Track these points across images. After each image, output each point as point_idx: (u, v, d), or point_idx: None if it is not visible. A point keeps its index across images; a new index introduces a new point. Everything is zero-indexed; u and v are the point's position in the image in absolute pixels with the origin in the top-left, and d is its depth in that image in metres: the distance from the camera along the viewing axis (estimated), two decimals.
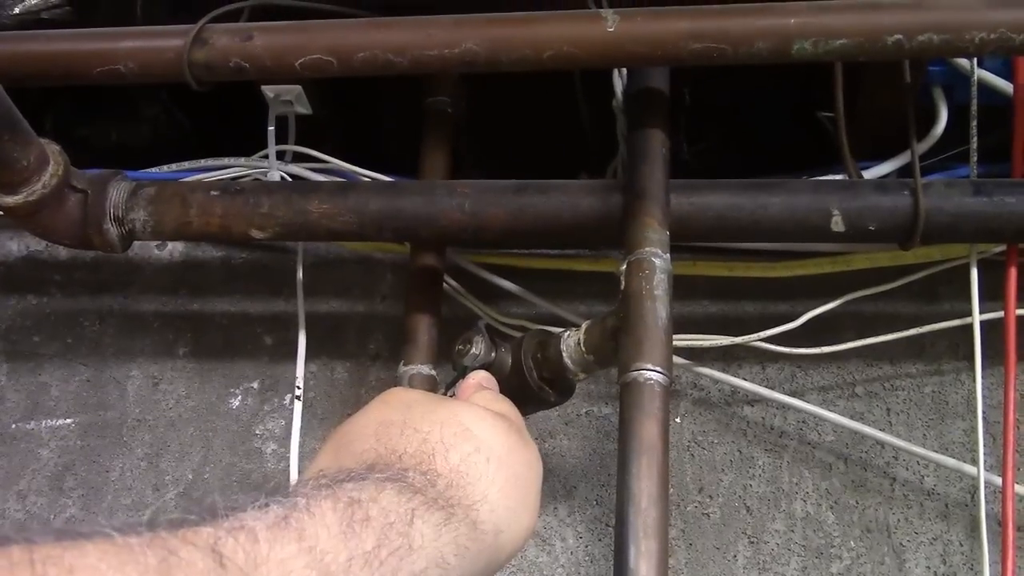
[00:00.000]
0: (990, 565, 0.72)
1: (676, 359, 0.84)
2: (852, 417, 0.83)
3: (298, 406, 0.88)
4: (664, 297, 0.65)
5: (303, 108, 0.89)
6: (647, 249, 0.67)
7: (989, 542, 0.74)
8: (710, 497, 0.83)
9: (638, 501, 0.58)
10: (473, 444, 0.47)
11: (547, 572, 0.81)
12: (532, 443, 0.53)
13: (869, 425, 0.83)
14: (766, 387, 0.84)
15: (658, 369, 0.62)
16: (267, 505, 0.34)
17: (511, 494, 0.47)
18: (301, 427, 0.87)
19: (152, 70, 0.75)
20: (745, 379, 0.85)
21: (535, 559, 0.82)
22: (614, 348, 0.65)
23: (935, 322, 0.82)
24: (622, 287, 0.66)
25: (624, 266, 0.67)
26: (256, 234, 0.79)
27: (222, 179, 0.90)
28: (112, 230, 0.79)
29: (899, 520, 0.81)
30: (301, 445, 0.87)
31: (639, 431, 0.60)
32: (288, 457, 0.87)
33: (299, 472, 0.85)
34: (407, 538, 0.38)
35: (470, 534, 0.42)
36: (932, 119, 0.82)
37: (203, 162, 0.95)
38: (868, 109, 0.84)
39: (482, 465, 0.47)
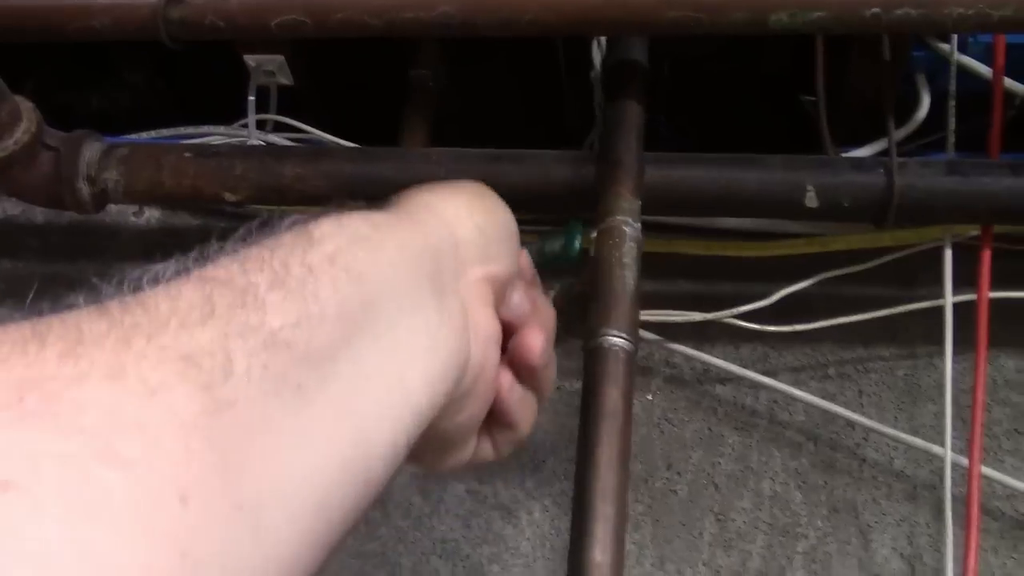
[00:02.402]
0: (954, 545, 0.72)
1: (648, 335, 0.84)
2: (824, 398, 0.83)
3: None
4: (633, 265, 0.65)
5: (285, 79, 0.89)
6: (618, 217, 0.67)
7: (954, 524, 0.74)
8: (678, 474, 0.83)
9: (597, 466, 0.58)
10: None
11: (512, 544, 0.81)
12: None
13: (840, 406, 0.82)
14: (738, 366, 0.84)
15: (624, 335, 0.62)
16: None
17: (430, 187, 0.45)
18: None
19: (127, 27, 0.74)
20: (718, 357, 0.84)
21: (500, 531, 0.81)
22: (581, 315, 0.64)
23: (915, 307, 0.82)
24: (591, 254, 0.66)
25: (594, 234, 0.66)
26: (229, 197, 0.78)
27: (197, 143, 0.90)
28: (84, 189, 0.78)
29: (867, 501, 0.81)
30: None
31: (601, 396, 0.60)
32: None
33: None
34: (305, 237, 0.34)
35: (382, 215, 0.39)
36: (916, 106, 0.82)
37: (182, 130, 0.95)
38: (852, 96, 0.84)
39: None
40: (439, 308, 0.39)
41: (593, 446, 0.58)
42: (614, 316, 0.62)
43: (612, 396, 0.60)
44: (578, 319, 0.64)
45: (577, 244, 0.61)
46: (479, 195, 0.47)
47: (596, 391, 0.60)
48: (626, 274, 0.64)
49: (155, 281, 0.30)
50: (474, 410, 0.44)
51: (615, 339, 0.61)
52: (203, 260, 0.32)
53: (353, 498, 0.32)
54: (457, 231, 0.43)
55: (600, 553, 0.55)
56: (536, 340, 0.47)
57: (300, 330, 0.31)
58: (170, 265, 0.32)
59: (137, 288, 0.30)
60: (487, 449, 0.50)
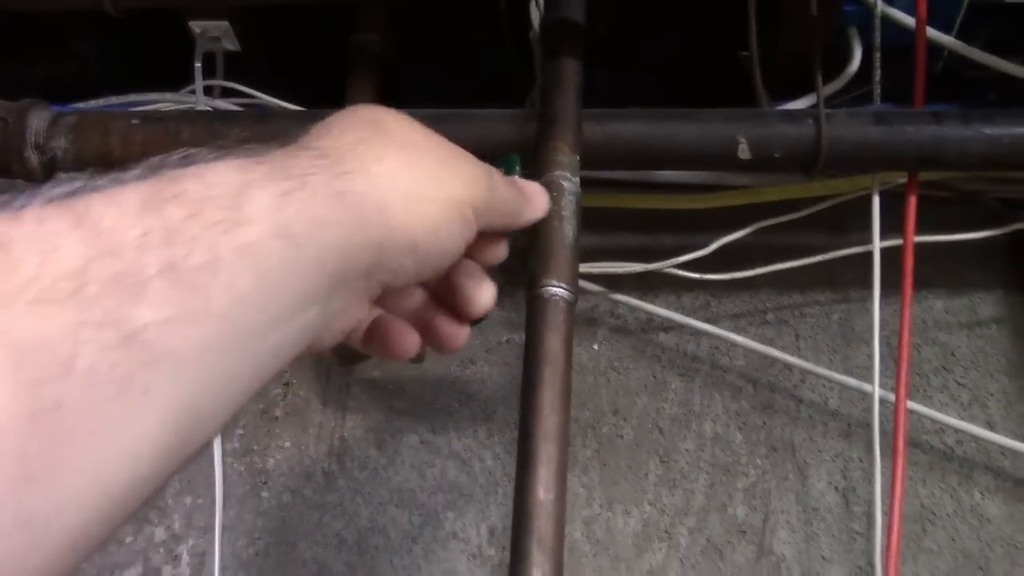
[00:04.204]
0: (883, 477, 0.76)
1: (593, 287, 0.87)
2: (762, 342, 0.86)
3: None
4: (572, 218, 0.67)
5: (231, 44, 0.90)
6: (556, 172, 0.69)
7: (885, 457, 0.77)
8: (624, 419, 0.86)
9: (540, 409, 0.60)
10: (375, 129, 0.41)
11: (466, 491, 0.84)
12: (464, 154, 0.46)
13: (778, 350, 0.86)
14: (681, 314, 0.87)
15: (563, 285, 0.64)
16: (57, 186, 0.29)
17: (406, 176, 0.40)
18: None
19: None
20: (661, 307, 0.87)
21: (455, 479, 0.84)
22: (523, 267, 0.67)
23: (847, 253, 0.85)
24: None
25: None
26: None
27: (144, 110, 0.91)
28: (33, 158, 0.79)
29: (803, 439, 0.85)
30: None
31: (543, 344, 0.62)
32: None
33: None
34: (233, 211, 0.31)
35: (331, 205, 0.35)
36: (848, 59, 0.85)
37: (130, 97, 0.95)
38: (785, 51, 0.87)
39: (373, 141, 0.40)
40: (323, 310, 0.36)
41: (535, 391, 0.61)
42: (553, 267, 0.64)
43: (553, 344, 0.62)
44: (521, 270, 0.67)
45: (517, 175, 0.63)
46: (454, 207, 0.43)
47: (537, 339, 0.63)
48: (565, 226, 0.66)
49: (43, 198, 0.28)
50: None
51: (555, 289, 0.64)
52: (87, 210, 0.28)
53: (140, 502, 0.29)
54: (392, 241, 0.39)
55: (544, 491, 0.58)
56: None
57: (169, 328, 0.28)
58: (60, 183, 0.29)
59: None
60: None
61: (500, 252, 0.51)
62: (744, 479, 0.83)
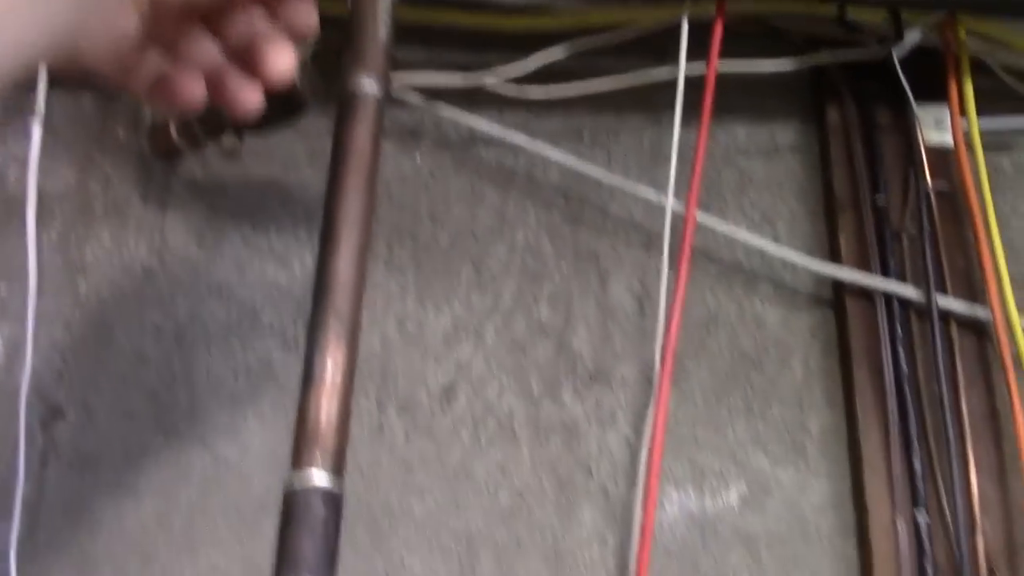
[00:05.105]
0: (673, 280, 0.82)
1: (417, 100, 0.89)
2: (577, 159, 0.91)
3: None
4: (387, 19, 0.69)
5: None
6: None
7: (674, 264, 0.84)
8: (441, 226, 0.90)
9: (343, 193, 0.63)
10: None
11: (286, 288, 0.87)
12: None
13: (591, 165, 0.90)
14: (501, 127, 0.90)
15: (373, 80, 0.66)
16: None
17: None
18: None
19: None
20: (482, 120, 0.90)
21: (274, 277, 0.87)
22: (337, 62, 0.69)
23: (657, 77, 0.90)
24: (349, 8, 0.69)
25: None
26: None
27: None
28: None
29: (607, 249, 0.91)
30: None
31: (350, 135, 0.65)
32: None
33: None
34: None
35: None
36: None
37: None
38: None
39: None
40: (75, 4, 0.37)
41: (340, 177, 0.64)
42: (364, 62, 0.67)
43: (360, 134, 0.65)
44: (335, 65, 0.69)
45: None
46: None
47: (345, 130, 0.65)
48: (379, 26, 0.68)
49: None
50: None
51: (366, 85, 0.66)
52: None
53: None
54: None
55: (344, 269, 0.62)
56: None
57: None
58: None
59: None
60: None
61: (305, 18, 0.51)
62: (550, 284, 0.89)
